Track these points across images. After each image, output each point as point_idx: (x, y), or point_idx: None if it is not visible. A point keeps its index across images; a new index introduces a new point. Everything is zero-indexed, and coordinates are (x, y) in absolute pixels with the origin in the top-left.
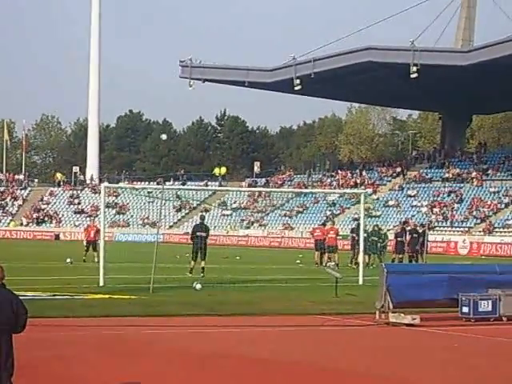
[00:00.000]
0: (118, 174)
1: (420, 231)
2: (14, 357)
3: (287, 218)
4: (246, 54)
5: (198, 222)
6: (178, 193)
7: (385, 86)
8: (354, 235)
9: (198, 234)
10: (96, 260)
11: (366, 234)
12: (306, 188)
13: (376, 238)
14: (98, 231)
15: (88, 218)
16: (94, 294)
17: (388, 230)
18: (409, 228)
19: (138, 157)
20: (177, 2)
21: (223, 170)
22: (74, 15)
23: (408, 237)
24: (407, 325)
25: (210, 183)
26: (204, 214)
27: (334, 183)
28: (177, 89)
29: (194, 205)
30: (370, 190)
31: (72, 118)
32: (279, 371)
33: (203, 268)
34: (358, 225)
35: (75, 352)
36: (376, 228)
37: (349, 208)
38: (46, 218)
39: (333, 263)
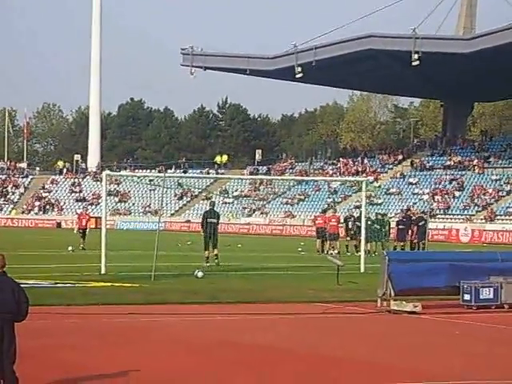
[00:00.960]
0: (122, 162)
1: (424, 218)
2: (17, 345)
3: (289, 206)
4: (248, 41)
5: (207, 209)
6: (180, 181)
7: (386, 74)
8: (351, 223)
9: (208, 220)
10: (81, 247)
11: (369, 222)
12: (307, 176)
13: (378, 226)
14: (89, 219)
15: (90, 206)
16: (95, 282)
17: (390, 218)
18: (414, 217)
19: (139, 145)
20: None
21: (225, 157)
22: (76, 3)
23: (415, 227)
24: (409, 312)
25: (211, 171)
26: (214, 200)
27: (332, 171)
28: (178, 77)
29: (196, 193)
30: (371, 178)
31: (73, 106)
32: (279, 358)
33: (216, 255)
34: (360, 213)
35: (77, 340)
36: (379, 216)
37: (350, 196)
38: (47, 206)
39: (335, 251)
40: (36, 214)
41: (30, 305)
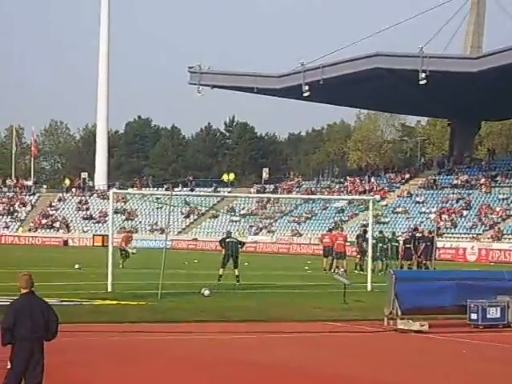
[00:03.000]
0: (129, 180)
1: (430, 237)
2: (44, 365)
3: (296, 225)
4: (255, 60)
5: (224, 236)
6: (187, 199)
7: (393, 93)
8: (361, 241)
9: (227, 240)
10: (120, 266)
11: (374, 241)
12: (314, 194)
13: (381, 245)
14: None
15: (96, 224)
16: (102, 300)
17: (397, 237)
18: (420, 235)
19: (146, 163)
20: (185, 9)
21: (232, 176)
22: (83, 21)
23: (422, 245)
24: (415, 331)
25: (218, 189)
26: (230, 231)
27: (337, 189)
28: (185, 95)
29: (203, 211)
30: (378, 197)
31: (81, 123)
32: (287, 377)
33: (237, 276)
34: (364, 231)
35: (83, 358)
36: (381, 234)
37: (357, 214)
38: (54, 224)
39: (342, 270)
40: (56, 230)
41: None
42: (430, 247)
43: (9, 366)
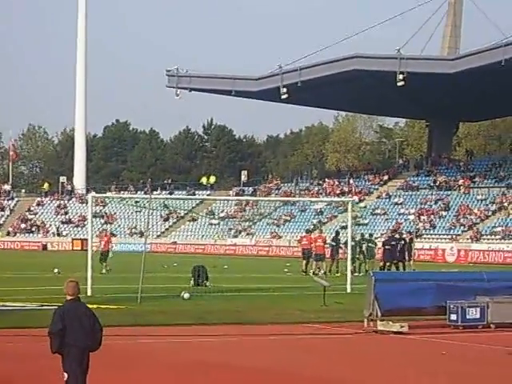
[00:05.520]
0: (108, 184)
1: (407, 239)
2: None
3: (275, 227)
4: (233, 63)
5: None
6: (166, 202)
7: (371, 94)
8: (334, 244)
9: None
10: (103, 271)
11: (353, 243)
12: (293, 196)
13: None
14: (108, 240)
15: (75, 228)
16: None
17: (376, 238)
18: (398, 236)
19: (124, 166)
20: (163, 12)
21: (212, 178)
22: (61, 25)
23: (399, 246)
24: (395, 333)
25: (197, 192)
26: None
27: (316, 191)
28: (163, 98)
29: (182, 214)
30: (356, 198)
31: (59, 128)
32: (267, 380)
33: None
34: (337, 233)
35: None
36: (360, 237)
37: (336, 216)
38: (33, 228)
39: (322, 271)
40: (37, 233)
41: (15, 328)
42: (408, 248)
43: (65, 378)
